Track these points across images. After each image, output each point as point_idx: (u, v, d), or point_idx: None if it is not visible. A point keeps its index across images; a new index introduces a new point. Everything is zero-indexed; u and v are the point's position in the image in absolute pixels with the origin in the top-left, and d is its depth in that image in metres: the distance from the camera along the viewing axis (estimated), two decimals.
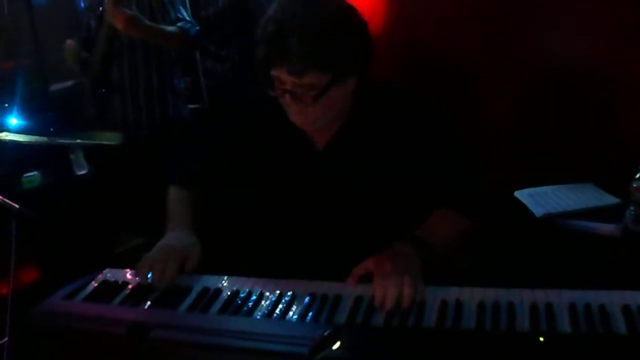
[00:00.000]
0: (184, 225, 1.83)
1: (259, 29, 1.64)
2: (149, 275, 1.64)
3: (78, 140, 2.74)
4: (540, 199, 2.56)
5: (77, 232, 3.05)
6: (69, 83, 3.61)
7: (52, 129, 3.14)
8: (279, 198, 1.83)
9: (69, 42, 3.13)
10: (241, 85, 3.80)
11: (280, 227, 1.85)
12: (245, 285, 1.62)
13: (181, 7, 3.21)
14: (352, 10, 1.67)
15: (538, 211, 2.47)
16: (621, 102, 2.76)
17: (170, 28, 3.09)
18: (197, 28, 3.22)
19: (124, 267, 1.80)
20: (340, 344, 1.07)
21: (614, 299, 1.43)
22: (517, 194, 2.61)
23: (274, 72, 1.63)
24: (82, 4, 3.12)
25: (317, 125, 1.74)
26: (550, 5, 2.80)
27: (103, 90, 3.14)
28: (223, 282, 1.66)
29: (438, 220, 1.74)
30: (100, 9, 3.03)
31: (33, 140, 2.62)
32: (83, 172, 3.04)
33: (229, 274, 1.70)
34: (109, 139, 2.88)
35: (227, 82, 3.83)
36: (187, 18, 3.20)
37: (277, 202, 1.83)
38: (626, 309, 1.38)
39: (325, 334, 1.09)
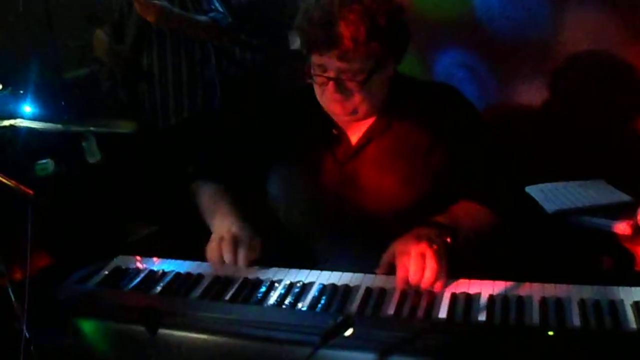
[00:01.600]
0: (231, 213, 1.79)
1: (298, 16, 1.66)
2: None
3: (91, 128, 2.74)
4: (551, 195, 2.56)
5: (90, 220, 3.06)
6: (83, 71, 3.61)
7: (65, 117, 3.15)
8: (305, 189, 1.84)
9: (98, 32, 3.13)
10: (271, 76, 3.80)
11: (304, 216, 1.85)
12: (256, 274, 1.63)
13: None
14: None
15: (549, 207, 2.47)
16: (635, 99, 2.75)
17: (202, 18, 3.08)
18: (230, 20, 3.20)
19: (136, 255, 1.81)
20: (353, 331, 1.07)
21: (624, 295, 1.43)
22: (528, 189, 2.61)
23: (318, 60, 1.63)
24: None
25: (355, 115, 1.73)
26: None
27: (132, 78, 3.14)
28: (234, 270, 1.66)
29: (465, 210, 1.74)
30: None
31: (47, 127, 2.63)
32: (96, 160, 3.05)
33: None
34: (124, 127, 2.88)
35: (258, 72, 3.83)
36: (220, 9, 3.17)
37: (304, 192, 1.84)
38: (636, 305, 1.38)
39: (338, 321, 1.09)
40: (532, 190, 2.61)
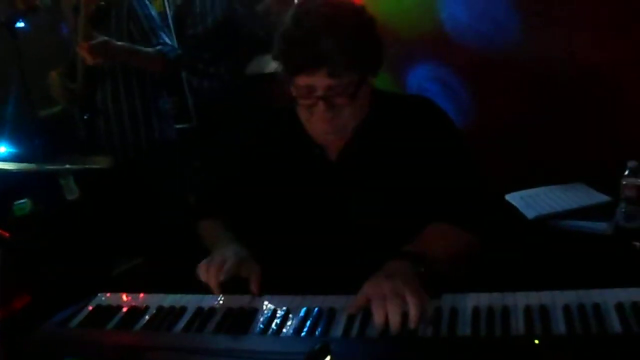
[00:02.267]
0: (234, 243, 1.78)
1: (277, 41, 1.64)
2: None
3: (67, 166, 2.73)
4: (531, 201, 2.58)
5: (72, 256, 3.04)
6: (57, 109, 3.60)
7: (41, 155, 3.13)
8: (291, 211, 1.83)
9: (52, 73, 3.13)
10: (232, 102, 3.81)
11: (294, 238, 1.83)
12: (239, 303, 1.62)
13: (162, 33, 3.19)
14: (365, 9, 1.70)
15: (530, 213, 2.48)
16: (611, 101, 2.78)
17: (149, 50, 3.08)
18: (179, 52, 3.21)
19: (123, 288, 1.79)
20: (331, 358, 1.06)
21: (608, 298, 1.43)
22: (508, 197, 2.62)
23: (304, 81, 1.61)
24: (65, 30, 3.12)
25: (342, 132, 1.73)
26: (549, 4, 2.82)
27: (87, 116, 3.13)
28: (217, 301, 1.65)
29: (436, 234, 1.70)
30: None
31: (22, 167, 2.61)
32: (74, 197, 3.03)
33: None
34: (99, 162, 2.88)
35: (216, 100, 3.85)
36: (168, 41, 3.18)
37: (289, 215, 1.83)
38: (620, 307, 1.38)
39: (316, 348, 1.08)
40: (512, 197, 2.63)
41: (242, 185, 1.91)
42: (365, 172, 1.77)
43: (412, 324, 1.38)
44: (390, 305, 1.39)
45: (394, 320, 1.37)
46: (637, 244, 2.27)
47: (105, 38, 2.94)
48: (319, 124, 1.69)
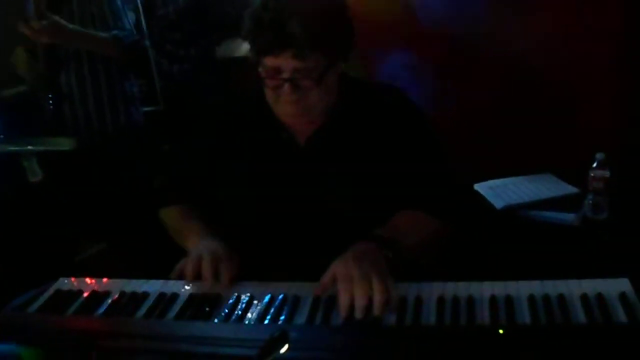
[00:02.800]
0: (207, 236, 1.75)
1: (246, 22, 1.62)
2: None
3: (29, 147, 2.67)
4: (500, 191, 2.59)
5: (34, 240, 2.99)
6: (22, 88, 3.52)
7: (3, 135, 3.07)
8: (260, 195, 1.80)
9: (18, 49, 3.05)
10: (201, 86, 3.77)
11: (260, 224, 1.82)
12: (202, 289, 1.59)
13: (124, 16, 3.12)
14: None
15: (498, 203, 2.49)
16: (579, 93, 2.80)
17: (102, 34, 3.01)
18: (136, 37, 3.15)
19: (86, 274, 1.76)
20: (289, 347, 1.04)
21: (573, 289, 1.43)
22: (477, 186, 2.63)
23: (272, 62, 1.60)
24: (30, 7, 3.02)
25: (309, 115, 1.71)
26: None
27: (52, 98, 3.06)
28: (180, 286, 1.62)
29: (406, 220, 1.71)
30: None
31: None
32: (37, 179, 2.97)
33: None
34: (62, 144, 2.82)
35: (185, 83, 3.80)
36: (127, 27, 3.11)
37: (258, 200, 1.81)
38: (584, 298, 1.39)
39: (274, 335, 1.06)
40: (481, 187, 2.63)
41: (208, 170, 1.87)
42: (334, 158, 1.76)
43: (376, 310, 1.39)
44: (357, 288, 1.40)
45: (360, 304, 1.39)
46: (604, 235, 2.29)
47: (56, 19, 2.85)
48: (285, 105, 1.67)
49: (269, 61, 1.61)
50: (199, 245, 1.68)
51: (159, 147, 3.53)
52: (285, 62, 1.59)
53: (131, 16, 3.23)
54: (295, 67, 1.59)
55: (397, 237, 1.61)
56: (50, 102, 3.08)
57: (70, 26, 2.92)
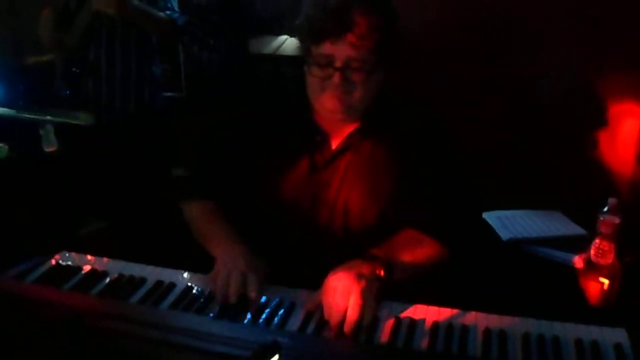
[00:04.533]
0: (235, 242, 1.73)
1: (307, 9, 1.68)
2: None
3: (48, 117, 2.68)
4: (507, 223, 2.57)
5: (41, 208, 3.01)
6: (47, 57, 3.54)
7: (21, 102, 3.08)
8: (279, 195, 1.82)
9: (45, 12, 3.03)
10: (225, 77, 3.78)
11: (272, 224, 1.84)
12: (199, 282, 1.60)
13: None
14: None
15: (504, 234, 2.48)
16: (595, 135, 2.79)
17: (160, 14, 3.01)
18: (186, 19, 3.16)
19: (87, 248, 1.76)
20: (280, 357, 1.04)
21: (568, 332, 1.43)
22: (485, 215, 2.61)
23: (327, 49, 1.64)
24: None
25: (349, 113, 1.73)
26: (534, 39, 2.82)
27: (77, 70, 3.06)
28: (179, 276, 1.62)
29: (406, 240, 1.72)
30: None
31: (1, 112, 2.57)
32: (52, 149, 2.98)
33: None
34: (82, 119, 2.82)
35: (211, 72, 3.81)
36: (176, 8, 3.11)
37: (275, 199, 1.82)
38: (579, 343, 1.38)
39: (265, 344, 1.06)
40: (489, 216, 2.62)
41: (237, 165, 1.88)
42: (358, 166, 1.79)
43: (345, 327, 1.41)
44: (334, 302, 1.43)
45: (335, 319, 1.42)
46: (605, 281, 2.27)
47: None
48: (330, 100, 1.70)
49: (325, 48, 1.65)
50: (228, 258, 1.64)
51: (176, 134, 3.53)
52: (341, 49, 1.63)
53: None
54: (349, 56, 1.63)
55: (393, 256, 1.61)
56: (73, 74, 3.08)
57: (136, 3, 2.92)
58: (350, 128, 1.80)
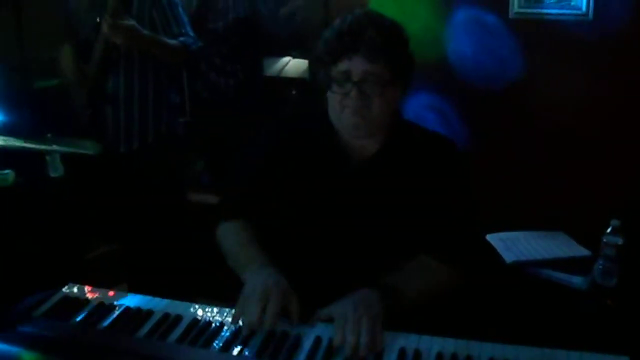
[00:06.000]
0: (267, 266, 1.74)
1: (325, 33, 1.81)
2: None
3: (55, 147, 2.71)
4: (511, 245, 2.58)
5: (48, 234, 3.03)
6: (54, 81, 3.58)
7: (31, 128, 3.11)
8: (302, 215, 1.87)
9: (66, 47, 3.05)
10: (245, 101, 3.81)
11: (301, 242, 1.87)
12: (206, 314, 1.61)
13: (186, 22, 3.13)
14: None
15: (508, 257, 2.49)
16: (601, 155, 2.80)
17: (172, 41, 3.03)
18: (200, 44, 3.18)
19: (95, 272, 1.78)
20: None
21: None
22: (489, 237, 2.63)
23: (344, 66, 1.75)
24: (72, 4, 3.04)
25: (369, 128, 1.79)
26: (541, 59, 2.84)
27: (97, 99, 3.08)
28: (185, 308, 1.64)
29: (418, 268, 1.77)
30: (98, 19, 2.94)
31: (8, 144, 2.60)
32: (58, 175, 3.01)
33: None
34: (89, 148, 2.85)
35: (229, 97, 3.83)
36: (190, 33, 3.13)
37: (299, 219, 1.87)
38: None
39: None
40: (492, 238, 2.63)
41: (268, 188, 1.92)
42: (378, 187, 1.83)
43: (361, 352, 1.46)
44: (348, 327, 1.49)
45: (349, 343, 1.47)
46: (610, 302, 2.28)
47: (133, 23, 2.88)
48: (349, 117, 1.77)
49: (341, 65, 1.75)
50: (256, 281, 1.65)
51: (190, 159, 3.56)
52: (357, 64, 1.73)
53: None
54: (365, 70, 1.73)
55: (402, 285, 1.67)
56: (94, 101, 3.10)
57: (146, 32, 2.95)
58: (372, 150, 1.86)
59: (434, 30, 3.02)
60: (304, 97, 3.76)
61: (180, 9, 3.11)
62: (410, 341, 1.50)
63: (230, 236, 1.93)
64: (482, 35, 2.93)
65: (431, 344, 1.49)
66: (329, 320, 1.56)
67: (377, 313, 1.53)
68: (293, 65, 3.83)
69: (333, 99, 1.79)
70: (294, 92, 3.86)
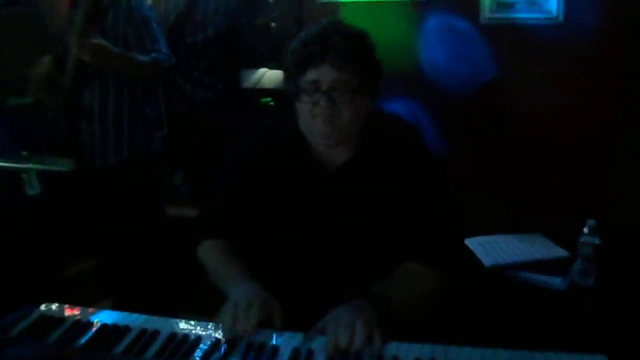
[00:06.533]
0: (249, 280, 1.76)
1: (293, 44, 1.82)
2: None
3: (29, 165, 2.69)
4: (489, 248, 2.60)
5: (25, 251, 3.00)
6: (28, 99, 3.55)
7: (4, 146, 3.09)
8: (281, 226, 1.87)
9: (45, 59, 3.05)
10: (222, 113, 3.79)
11: (281, 256, 1.86)
12: (184, 328, 1.61)
13: (161, 39, 3.13)
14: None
15: (487, 261, 2.50)
16: (576, 156, 2.82)
17: (143, 57, 3.02)
18: (173, 60, 3.17)
19: (73, 289, 1.77)
20: None
21: None
22: (467, 241, 2.64)
23: (312, 75, 1.76)
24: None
25: (340, 135, 1.80)
26: (514, 64, 2.87)
27: (73, 113, 3.07)
28: (161, 324, 1.63)
29: (405, 276, 1.77)
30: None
31: None
32: (35, 192, 2.99)
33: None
34: (63, 165, 2.83)
35: (206, 109, 3.82)
36: (163, 49, 3.12)
37: (277, 231, 1.87)
38: None
39: None
40: (471, 242, 2.64)
41: (244, 203, 1.92)
42: (353, 195, 1.84)
43: (353, 348, 1.48)
44: (341, 330, 1.50)
45: (342, 343, 1.49)
46: (589, 302, 2.30)
47: (102, 42, 2.88)
48: (319, 125, 1.78)
49: (310, 75, 1.76)
50: (239, 293, 1.66)
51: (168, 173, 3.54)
52: (325, 73, 1.75)
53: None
54: (333, 79, 1.74)
55: (391, 294, 1.68)
56: (70, 116, 3.08)
57: (115, 49, 2.94)
58: (344, 158, 1.87)
59: (405, 37, 3.03)
60: (280, 108, 3.76)
61: (153, 24, 3.11)
62: (389, 348, 1.51)
63: (212, 254, 1.94)
64: (454, 41, 2.95)
65: (409, 351, 1.50)
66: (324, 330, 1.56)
67: (371, 318, 1.54)
68: (269, 76, 3.82)
69: (303, 108, 1.80)
70: (271, 103, 3.86)
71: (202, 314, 1.69)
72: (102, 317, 1.68)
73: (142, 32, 3.06)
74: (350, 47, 1.75)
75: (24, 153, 2.92)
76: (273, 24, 3.92)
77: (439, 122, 2.94)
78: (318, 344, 1.53)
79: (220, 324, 1.59)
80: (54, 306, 1.74)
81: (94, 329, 1.62)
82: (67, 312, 1.71)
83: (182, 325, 1.63)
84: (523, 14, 2.87)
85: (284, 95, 1.88)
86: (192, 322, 1.64)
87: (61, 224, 3.10)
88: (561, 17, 2.82)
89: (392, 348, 1.51)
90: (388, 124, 1.99)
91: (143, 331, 1.60)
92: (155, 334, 1.59)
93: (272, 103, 3.90)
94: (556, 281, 2.39)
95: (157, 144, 3.31)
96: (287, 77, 1.84)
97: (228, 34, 3.71)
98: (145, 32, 3.06)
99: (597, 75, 2.71)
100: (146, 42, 3.05)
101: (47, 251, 3.06)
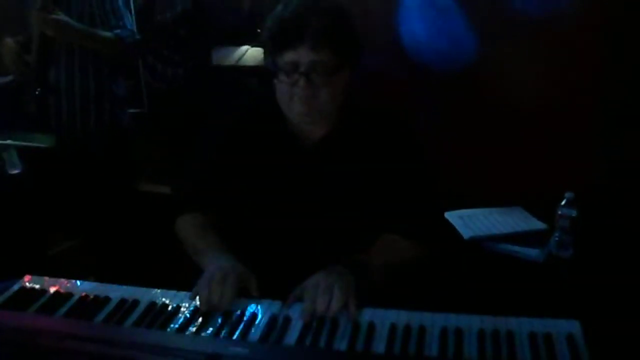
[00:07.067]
0: (225, 253, 1.78)
1: (268, 24, 1.77)
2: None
3: (9, 141, 2.69)
4: (469, 222, 2.62)
5: (8, 231, 3.00)
6: (7, 78, 3.52)
7: None
8: (262, 199, 1.88)
9: (7, 41, 3.06)
10: (193, 90, 3.80)
11: (260, 229, 1.88)
12: (163, 298, 1.63)
13: (126, 16, 3.15)
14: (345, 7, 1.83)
15: (466, 233, 2.52)
16: (554, 130, 2.84)
17: (106, 33, 3.04)
18: (137, 37, 3.18)
19: (57, 268, 1.78)
20: None
21: (523, 326, 1.47)
22: (447, 215, 2.66)
23: (290, 56, 1.72)
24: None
25: (319, 115, 1.79)
26: (495, 38, 2.87)
27: (39, 91, 3.07)
28: (141, 294, 1.65)
29: (385, 245, 1.81)
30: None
31: None
32: (16, 171, 2.98)
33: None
34: (43, 141, 2.83)
35: (177, 87, 3.82)
36: (128, 25, 3.14)
37: (261, 203, 1.88)
38: (533, 337, 1.43)
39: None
40: (451, 216, 2.67)
41: (221, 176, 1.93)
42: (331, 169, 1.85)
43: (329, 312, 1.51)
44: (319, 295, 1.53)
45: (321, 307, 1.52)
46: (565, 273, 2.33)
47: (64, 18, 2.89)
48: (298, 104, 1.76)
49: (288, 56, 1.72)
50: (215, 265, 1.68)
51: (142, 150, 3.55)
52: (303, 55, 1.70)
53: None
54: (311, 60, 1.70)
55: (369, 261, 1.72)
56: (37, 94, 3.09)
57: (77, 25, 2.95)
58: (322, 132, 1.87)
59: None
60: (263, 85, 3.76)
61: (120, 2, 3.12)
62: (364, 314, 1.53)
63: (189, 228, 1.95)
64: (434, 15, 2.94)
65: (384, 317, 1.52)
66: (301, 294, 1.59)
67: (349, 282, 1.57)
68: (251, 53, 3.81)
69: (281, 87, 1.78)
70: (254, 80, 3.85)
71: (182, 289, 1.70)
72: (83, 288, 1.69)
73: (107, 9, 3.08)
74: (328, 26, 1.71)
75: (6, 132, 2.92)
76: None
77: (418, 97, 2.95)
78: (296, 311, 1.55)
79: (197, 296, 1.60)
80: (36, 278, 1.75)
81: (74, 299, 1.64)
82: (49, 284, 1.72)
83: (162, 295, 1.65)
84: None
85: (266, 72, 1.87)
86: (171, 293, 1.66)
87: (43, 203, 3.10)
88: None
89: (368, 314, 1.53)
90: (366, 98, 1.99)
91: (123, 301, 1.62)
92: (135, 303, 1.61)
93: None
94: (534, 252, 2.42)
95: (125, 120, 3.32)
96: (265, 54, 1.82)
97: (196, 11, 3.71)
98: (110, 9, 3.08)
99: (575, 47, 2.72)
100: (111, 19, 3.07)
101: (29, 230, 3.06)
